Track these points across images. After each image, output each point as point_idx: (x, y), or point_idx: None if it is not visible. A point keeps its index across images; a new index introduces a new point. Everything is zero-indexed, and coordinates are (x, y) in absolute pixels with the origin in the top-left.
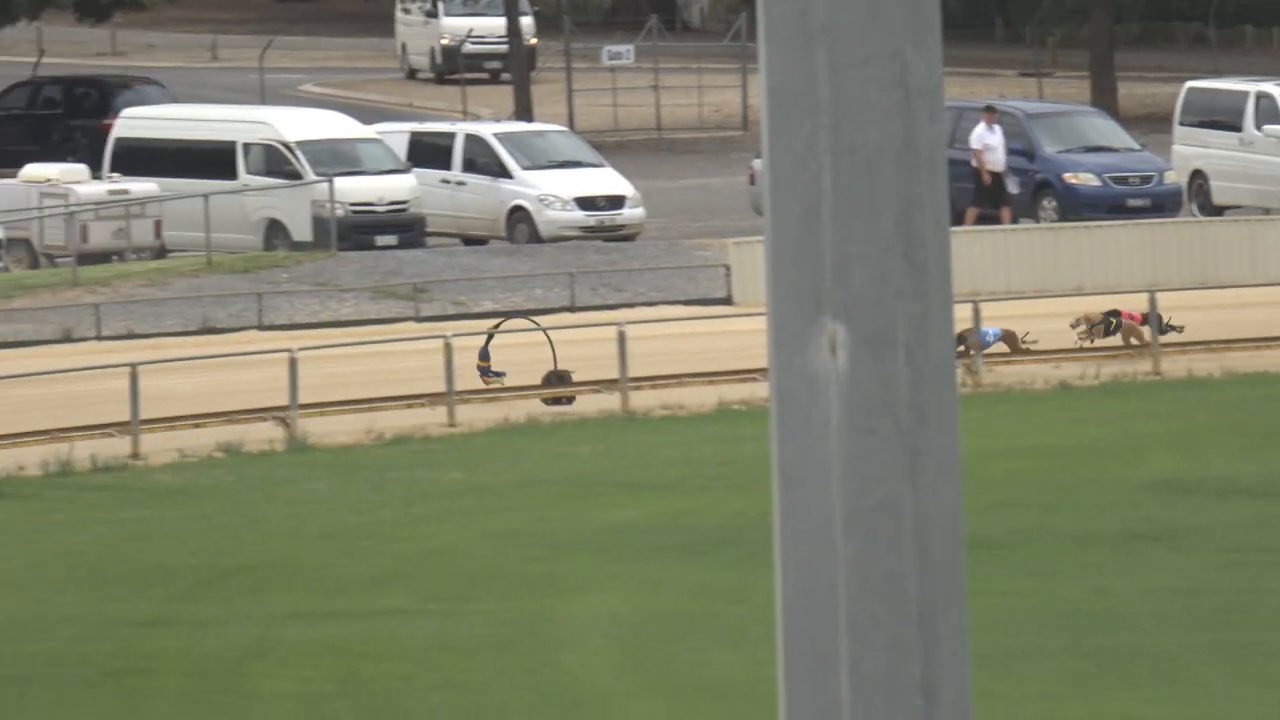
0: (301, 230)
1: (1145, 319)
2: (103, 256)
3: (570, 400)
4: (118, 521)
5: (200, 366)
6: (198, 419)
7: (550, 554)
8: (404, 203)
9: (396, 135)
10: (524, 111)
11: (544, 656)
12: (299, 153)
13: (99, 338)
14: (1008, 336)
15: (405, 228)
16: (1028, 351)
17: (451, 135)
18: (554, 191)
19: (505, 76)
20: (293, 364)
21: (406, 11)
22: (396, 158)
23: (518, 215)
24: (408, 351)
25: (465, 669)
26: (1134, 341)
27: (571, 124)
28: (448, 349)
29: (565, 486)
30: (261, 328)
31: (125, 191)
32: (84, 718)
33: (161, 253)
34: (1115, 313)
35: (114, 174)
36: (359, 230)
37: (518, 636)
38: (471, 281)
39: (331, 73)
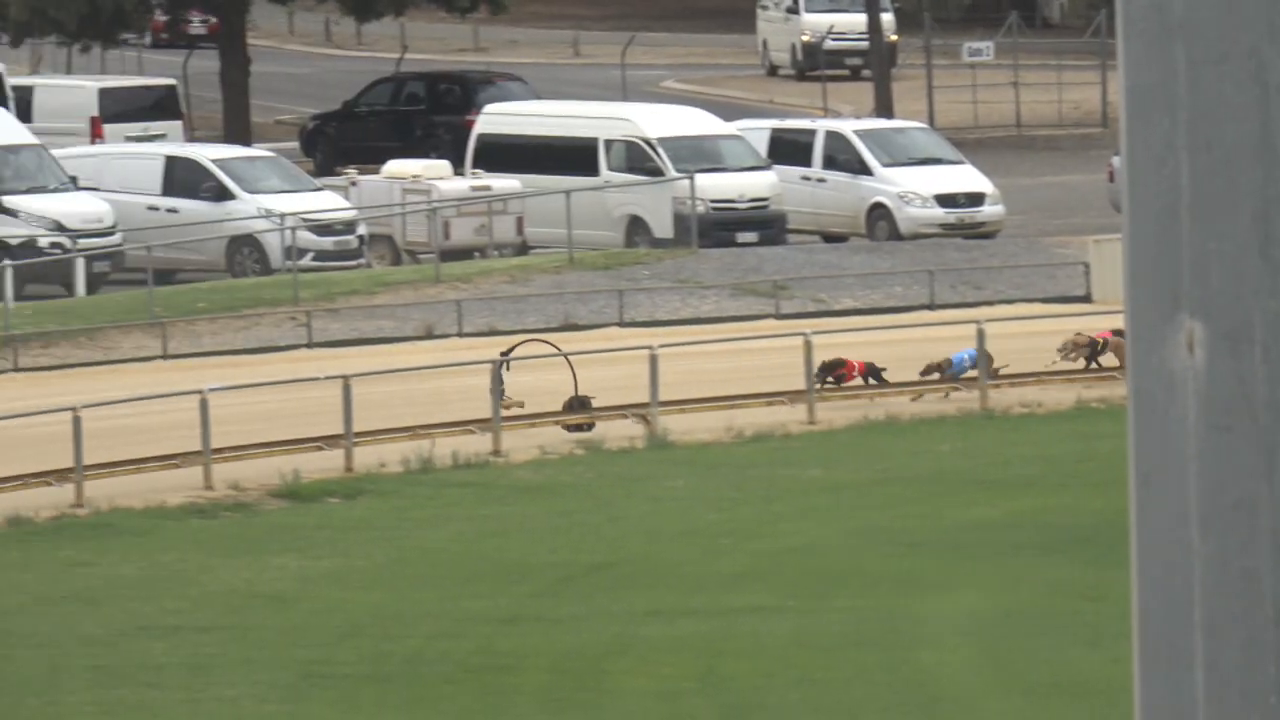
0: (663, 227)
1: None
2: (465, 253)
3: (590, 426)
4: (478, 518)
5: (562, 363)
6: (559, 415)
7: (908, 551)
8: (765, 199)
9: (757, 132)
10: (884, 108)
11: (902, 654)
12: (660, 149)
13: (460, 334)
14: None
15: (766, 224)
16: (1000, 375)
17: (812, 132)
18: (914, 189)
19: (865, 73)
20: (653, 361)
21: (766, 8)
22: (757, 154)
23: (878, 212)
24: (768, 349)
25: (824, 666)
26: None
27: (931, 121)
28: (808, 346)
29: (924, 484)
30: (622, 324)
31: (487, 188)
32: (444, 715)
33: (523, 249)
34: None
35: (476, 170)
36: (720, 227)
37: (876, 634)
38: (831, 279)
39: (692, 69)
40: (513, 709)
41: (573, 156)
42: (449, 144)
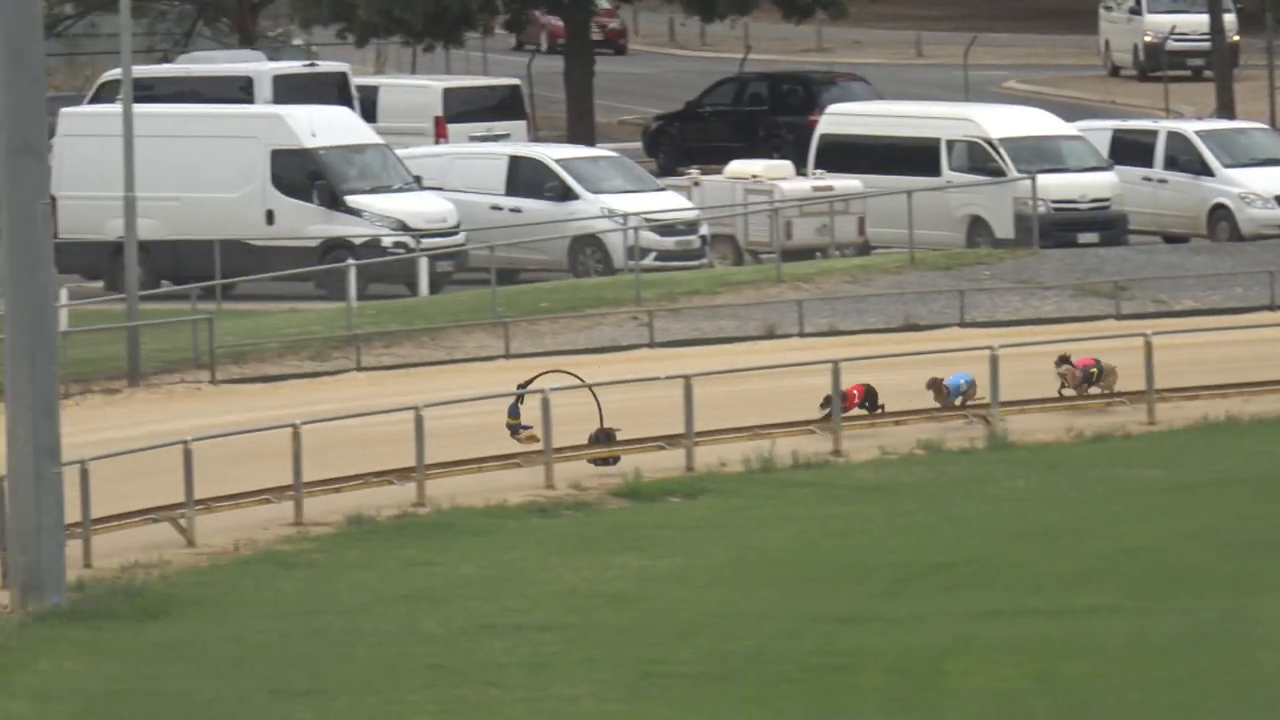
0: (1004, 227)
1: (1096, 364)
2: (806, 253)
3: (615, 460)
4: (818, 518)
5: (902, 363)
6: (899, 416)
7: (1247, 552)
8: (1106, 200)
9: (1099, 132)
10: (1226, 109)
11: (1241, 655)
12: (1002, 149)
13: (802, 334)
14: (972, 386)
15: (1107, 225)
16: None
17: (1154, 133)
18: (1256, 189)
19: (1207, 74)
20: (994, 361)
21: (1109, 9)
22: (1099, 155)
23: (1219, 213)
24: (1109, 349)
25: (1162, 667)
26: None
27: (1273, 121)
28: (1148, 347)
29: (1263, 485)
30: (963, 325)
31: (829, 188)
32: (783, 714)
33: (865, 249)
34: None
35: (818, 170)
36: (1061, 227)
37: (1215, 635)
38: (1172, 280)
39: (1034, 69)
40: (852, 709)
41: (914, 156)
42: (791, 144)
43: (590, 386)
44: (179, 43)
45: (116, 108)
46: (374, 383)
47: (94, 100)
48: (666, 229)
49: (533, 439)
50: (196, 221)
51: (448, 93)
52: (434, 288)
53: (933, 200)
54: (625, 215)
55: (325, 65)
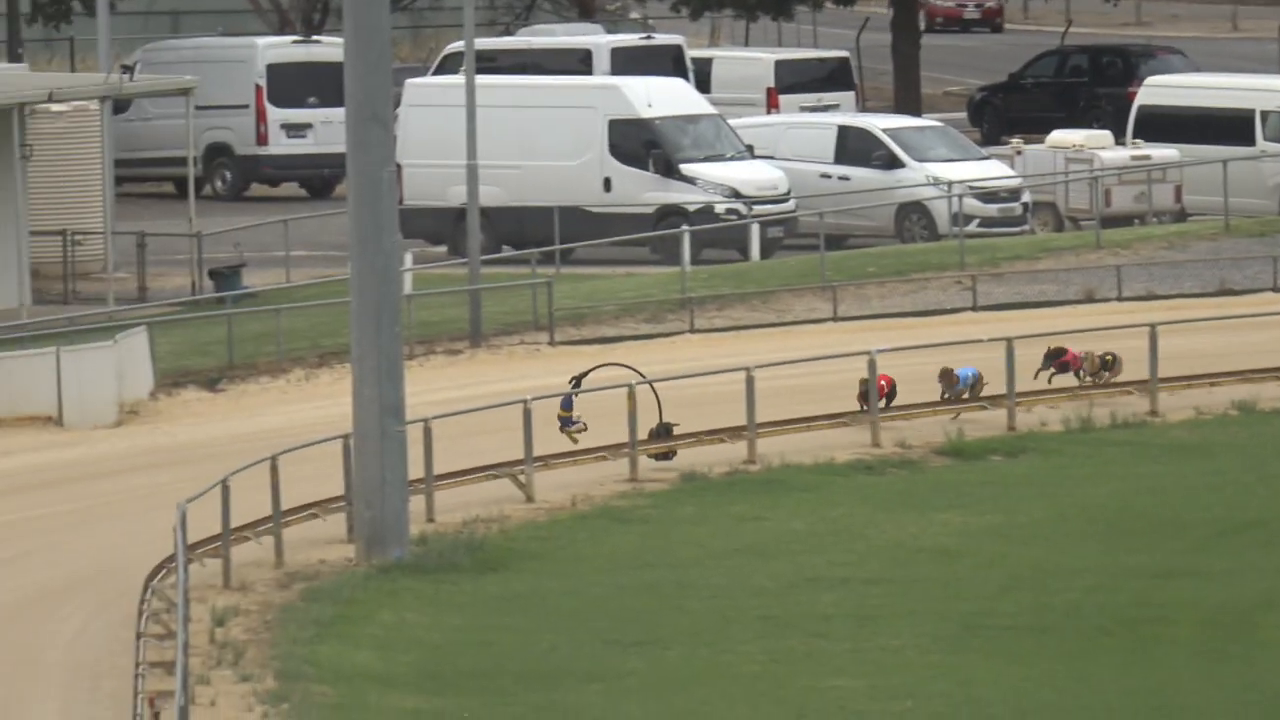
0: None
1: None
2: (1124, 220)
3: (672, 455)
4: (1134, 476)
5: (1217, 327)
6: (1213, 377)
7: None
8: None
9: None
10: None
11: None
12: None
13: (1120, 298)
14: (979, 379)
15: None
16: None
17: None
18: None
19: None
20: None
21: None
22: None
23: None
24: None
25: None
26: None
27: None
28: None
29: None
30: (1276, 289)
31: (1147, 157)
32: (1100, 665)
33: (1181, 216)
34: (1061, 351)
35: (1136, 140)
36: None
37: None
38: None
39: None
40: (1166, 660)
41: (1229, 127)
42: (1110, 115)
43: (650, 382)
44: (520, 16)
45: (459, 79)
46: (707, 344)
47: (438, 71)
48: (990, 196)
49: (581, 433)
50: (536, 189)
51: (779, 64)
52: (765, 253)
53: (1247, 169)
54: (950, 183)
55: (661, 38)
